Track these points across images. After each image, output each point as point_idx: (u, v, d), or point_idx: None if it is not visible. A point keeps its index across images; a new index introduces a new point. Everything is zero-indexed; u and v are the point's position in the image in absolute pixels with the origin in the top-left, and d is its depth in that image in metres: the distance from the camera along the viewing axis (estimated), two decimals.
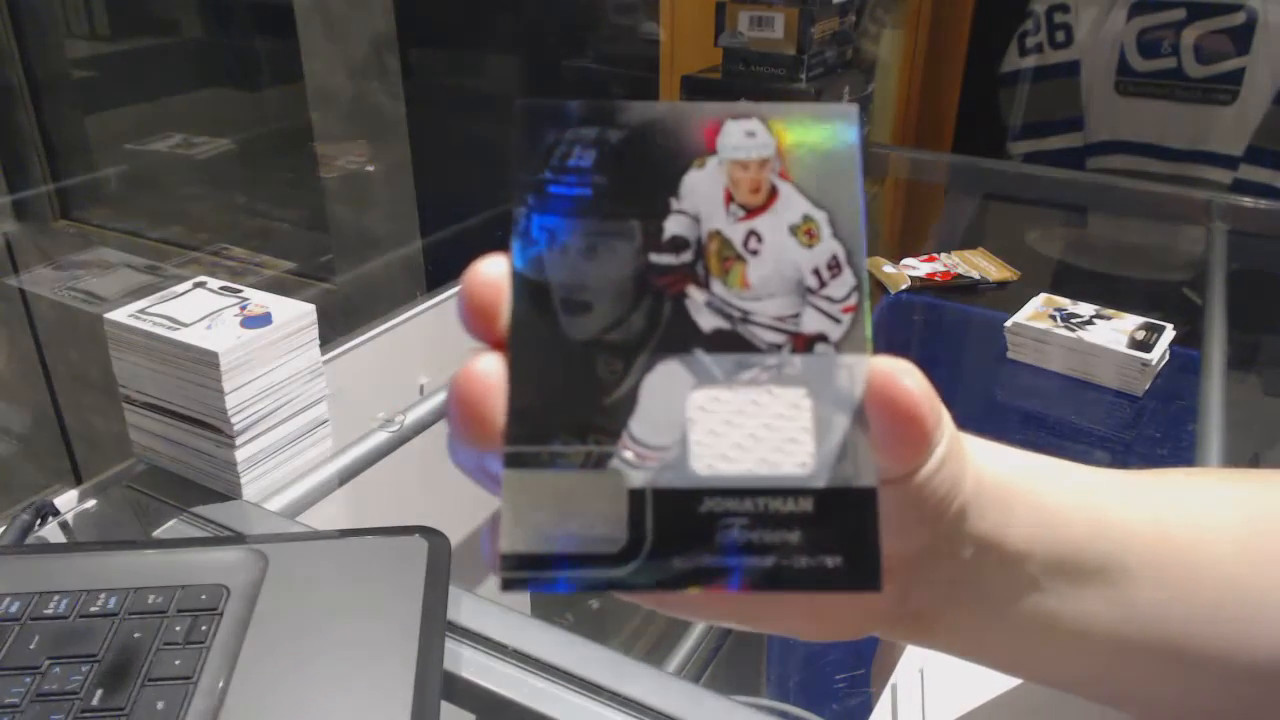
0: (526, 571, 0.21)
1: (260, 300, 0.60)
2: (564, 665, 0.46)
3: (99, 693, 0.41)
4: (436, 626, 0.45)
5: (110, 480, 0.61)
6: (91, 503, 0.59)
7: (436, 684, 0.42)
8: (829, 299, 0.22)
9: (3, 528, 0.55)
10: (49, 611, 0.44)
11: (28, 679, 0.41)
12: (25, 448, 2.12)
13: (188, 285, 0.62)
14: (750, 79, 1.16)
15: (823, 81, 1.16)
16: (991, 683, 0.43)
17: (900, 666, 0.50)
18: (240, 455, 0.58)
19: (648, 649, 0.91)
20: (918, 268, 1.09)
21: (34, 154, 2.17)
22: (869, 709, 0.50)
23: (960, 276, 1.08)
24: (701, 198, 0.23)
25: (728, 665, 0.69)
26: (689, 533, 0.21)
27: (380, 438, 0.71)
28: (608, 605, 0.96)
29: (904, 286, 1.06)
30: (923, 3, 1.61)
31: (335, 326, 0.72)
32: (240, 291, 0.61)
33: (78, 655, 0.42)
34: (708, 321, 0.22)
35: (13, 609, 0.44)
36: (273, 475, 0.61)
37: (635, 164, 0.23)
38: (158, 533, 0.57)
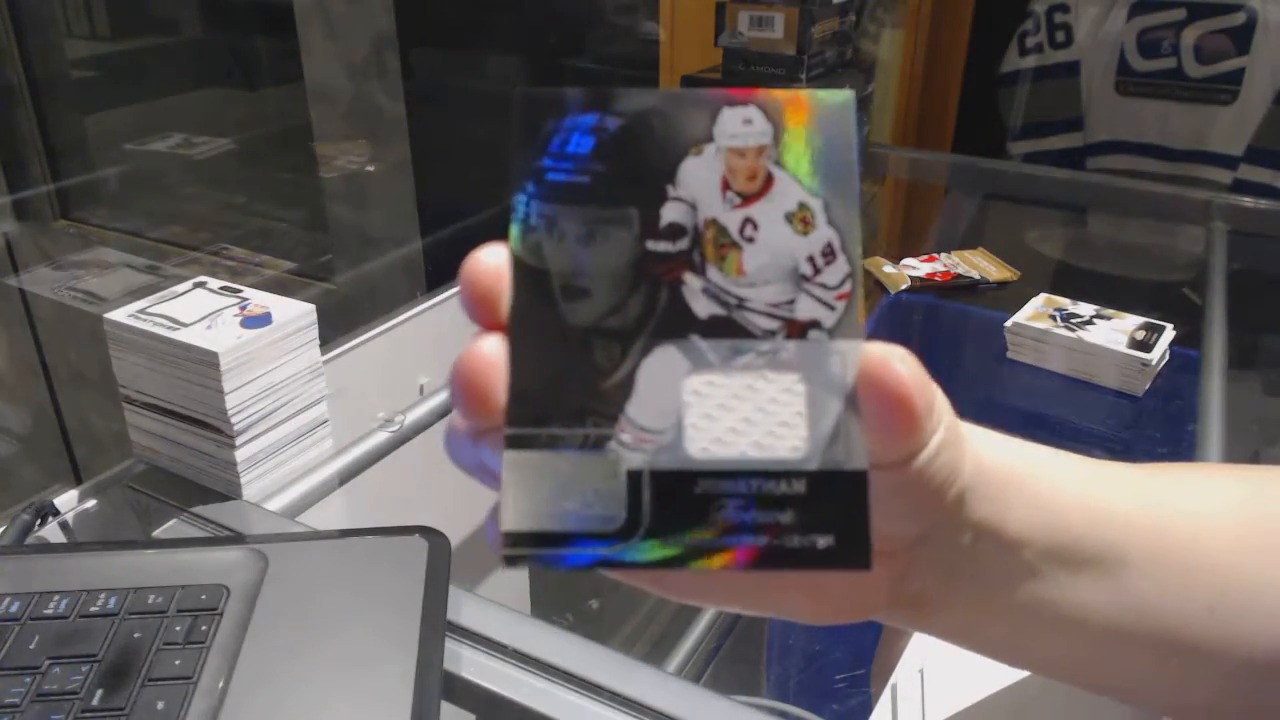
0: (527, 549, 0.21)
1: (260, 300, 0.60)
2: (564, 665, 0.46)
3: (99, 693, 0.41)
4: (436, 626, 0.45)
5: (110, 480, 0.61)
6: (91, 503, 0.59)
7: (436, 684, 0.42)
8: (823, 286, 0.23)
9: (3, 528, 0.55)
10: (49, 611, 0.44)
11: (28, 679, 0.41)
12: (25, 448, 2.12)
13: (188, 285, 0.62)
14: (750, 79, 1.16)
15: (823, 81, 1.16)
16: (991, 684, 0.43)
17: (900, 666, 0.50)
18: (240, 455, 0.58)
19: (648, 649, 0.91)
20: (918, 268, 1.09)
21: (34, 154, 2.16)
22: (869, 709, 0.50)
23: (960, 276, 1.08)
24: (698, 185, 0.23)
25: (728, 665, 0.69)
26: (684, 513, 0.22)
27: (380, 438, 0.71)
28: (608, 605, 0.96)
29: (904, 286, 1.06)
30: (923, 3, 1.61)
31: (335, 326, 0.72)
32: (240, 291, 0.61)
33: (78, 655, 0.42)
34: (704, 308, 0.23)
35: (13, 609, 0.44)
36: (273, 475, 0.61)
37: (633, 151, 0.23)
38: (158, 533, 0.57)
